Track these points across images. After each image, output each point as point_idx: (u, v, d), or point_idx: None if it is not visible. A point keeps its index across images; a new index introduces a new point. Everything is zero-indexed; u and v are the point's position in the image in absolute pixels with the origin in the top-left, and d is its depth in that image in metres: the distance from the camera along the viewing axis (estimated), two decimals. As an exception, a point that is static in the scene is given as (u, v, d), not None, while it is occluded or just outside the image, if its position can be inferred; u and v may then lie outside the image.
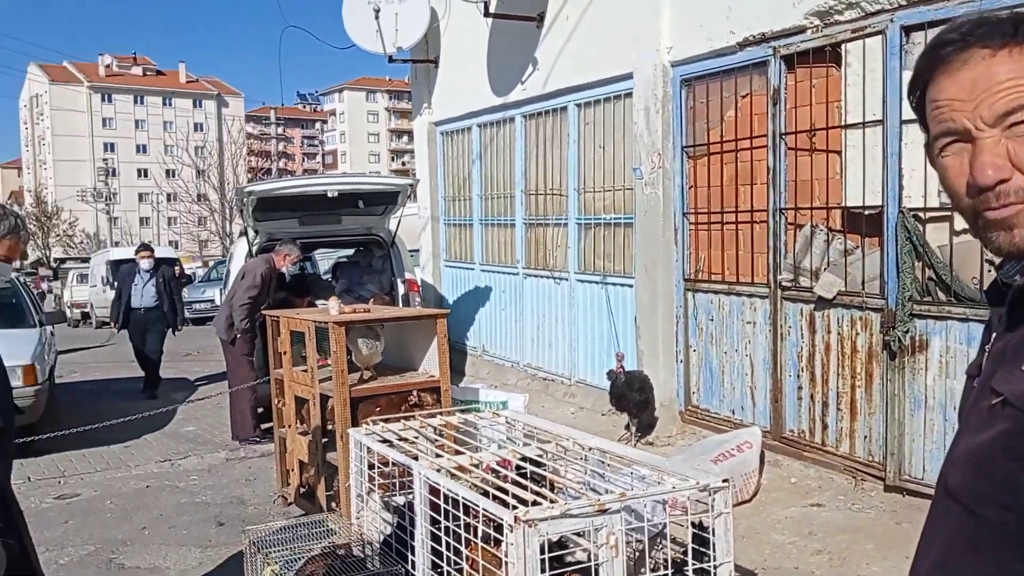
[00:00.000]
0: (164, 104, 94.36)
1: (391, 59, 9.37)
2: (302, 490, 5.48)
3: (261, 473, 6.69)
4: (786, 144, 5.76)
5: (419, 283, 9.20)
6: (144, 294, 10.53)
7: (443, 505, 3.26)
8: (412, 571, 3.45)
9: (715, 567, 3.08)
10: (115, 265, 18.79)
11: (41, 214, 65.18)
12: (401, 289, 8.72)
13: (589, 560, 3.04)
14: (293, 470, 5.54)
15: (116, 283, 11.42)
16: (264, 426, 7.65)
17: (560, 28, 7.78)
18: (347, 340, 4.96)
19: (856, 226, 5.36)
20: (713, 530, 3.11)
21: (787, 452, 5.76)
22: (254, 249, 8.37)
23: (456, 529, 3.15)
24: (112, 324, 11.25)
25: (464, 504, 3.13)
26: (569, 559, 3.19)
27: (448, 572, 3.24)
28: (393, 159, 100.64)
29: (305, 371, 5.26)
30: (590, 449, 3.76)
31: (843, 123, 5.40)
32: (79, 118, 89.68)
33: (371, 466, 4.00)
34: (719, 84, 6.29)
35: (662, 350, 6.77)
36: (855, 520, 4.93)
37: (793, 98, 5.71)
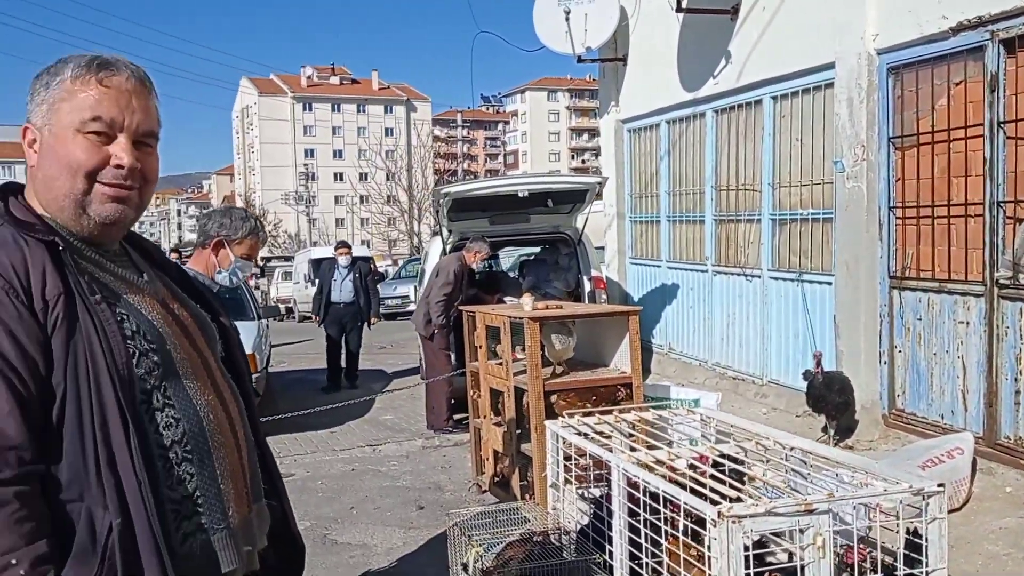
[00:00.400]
0: (358, 111, 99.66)
1: (580, 59, 9.49)
2: (496, 479, 5.66)
3: (455, 461, 6.97)
4: (1005, 133, 5.36)
5: (605, 280, 9.26)
6: (343, 289, 10.90)
7: (641, 497, 3.30)
8: (610, 561, 3.51)
9: (927, 574, 2.95)
10: (316, 263, 20.02)
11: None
12: (587, 286, 8.81)
13: (789, 561, 2.99)
14: (488, 459, 5.74)
15: (318, 279, 11.90)
16: (456, 417, 7.97)
17: (756, 19, 7.60)
18: (541, 335, 5.09)
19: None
20: (926, 536, 2.97)
21: (1002, 460, 5.37)
22: (447, 248, 8.70)
23: (655, 522, 3.18)
24: (314, 318, 11.63)
25: (663, 497, 3.15)
26: (769, 559, 3.14)
27: (647, 564, 3.27)
28: (573, 157, 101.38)
29: (500, 364, 5.44)
30: (791, 449, 3.68)
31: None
32: (283, 127, 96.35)
33: (567, 457, 4.09)
34: (929, 71, 5.94)
35: (864, 350, 6.48)
36: (1082, 536, 4.54)
37: (1013, 84, 5.31)
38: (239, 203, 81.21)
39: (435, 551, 4.60)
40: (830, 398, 6.16)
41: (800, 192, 7.35)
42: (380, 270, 28.84)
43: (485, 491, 5.86)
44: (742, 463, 3.52)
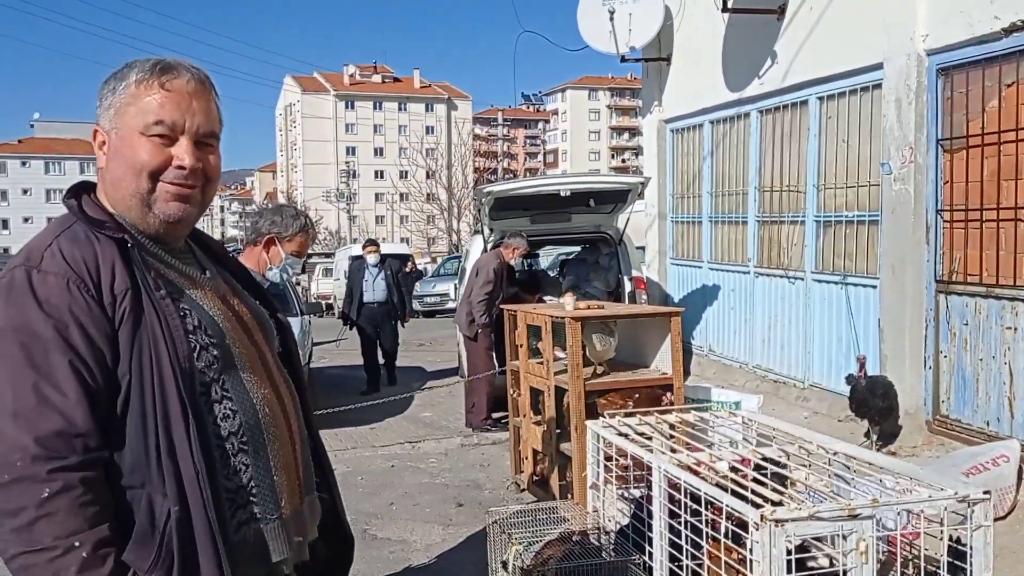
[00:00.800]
0: (399, 109, 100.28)
1: (623, 59, 9.47)
2: (535, 478, 5.69)
3: (494, 459, 7.00)
4: (1059, 135, 5.26)
5: (646, 281, 9.23)
6: (375, 288, 10.65)
7: (682, 499, 3.30)
8: (649, 562, 3.51)
9: (974, 583, 2.91)
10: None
11: (295, 213, 71.02)
12: (628, 286, 8.79)
13: (831, 567, 2.97)
14: (527, 458, 5.76)
15: (347, 280, 11.47)
16: (495, 415, 8.00)
17: (803, 19, 7.53)
18: (582, 335, 5.10)
19: None
20: (971, 544, 2.94)
21: (1052, 470, 5.27)
22: (488, 247, 8.74)
23: (696, 524, 3.18)
24: (343, 321, 11.21)
25: (704, 500, 3.15)
26: (811, 564, 3.12)
27: (687, 566, 3.27)
28: (613, 156, 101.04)
29: (541, 363, 5.46)
30: (835, 453, 3.65)
31: None
32: (326, 124, 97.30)
33: (607, 458, 4.10)
34: (980, 73, 5.84)
35: (909, 355, 6.39)
36: None
37: (1068, 85, 5.21)
38: (281, 200, 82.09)
39: (474, 548, 4.64)
40: (873, 403, 6.09)
41: (846, 194, 7.26)
42: (419, 268, 29.05)
43: (524, 490, 5.88)
44: (784, 467, 3.51)
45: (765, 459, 3.55)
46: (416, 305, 22.95)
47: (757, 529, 2.78)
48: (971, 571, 2.95)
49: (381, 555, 5.01)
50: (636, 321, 5.55)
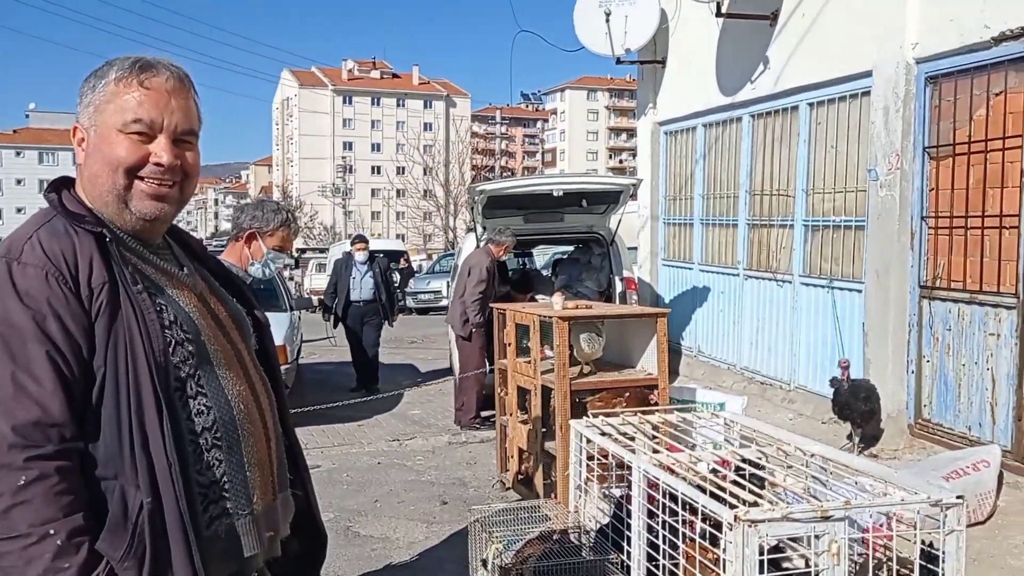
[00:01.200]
0: (398, 105, 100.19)
1: (619, 61, 9.50)
2: (520, 477, 5.72)
3: (481, 458, 7.03)
4: (1044, 144, 5.32)
5: (637, 281, 9.27)
6: (362, 287, 10.21)
7: (660, 499, 3.34)
8: (627, 561, 3.56)
9: (945, 587, 2.96)
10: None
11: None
12: (619, 287, 8.84)
13: (807, 567, 3.01)
14: (513, 457, 5.80)
15: (331, 276, 10.99)
16: (484, 414, 8.04)
17: (795, 26, 7.58)
18: (570, 335, 5.13)
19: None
20: (943, 547, 2.98)
21: (1031, 476, 5.33)
22: (482, 244, 8.78)
23: (673, 524, 3.22)
24: (327, 318, 10.81)
25: (681, 500, 3.19)
26: (786, 564, 3.16)
27: (663, 566, 3.31)
28: (611, 157, 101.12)
29: (528, 362, 5.50)
30: (812, 455, 3.70)
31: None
32: (323, 119, 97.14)
33: (590, 457, 4.14)
34: (969, 81, 5.90)
35: (892, 359, 6.45)
36: (1110, 556, 4.50)
37: (1054, 95, 5.27)
38: (276, 194, 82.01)
39: (456, 546, 4.66)
40: (856, 406, 6.14)
41: (833, 199, 7.32)
42: (414, 265, 29.07)
43: (509, 488, 5.92)
44: (762, 468, 3.56)
45: (744, 460, 3.60)
46: (410, 302, 22.96)
47: (731, 529, 2.83)
48: (943, 574, 3.00)
49: (363, 552, 5.03)
50: (623, 321, 5.59)
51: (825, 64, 7.20)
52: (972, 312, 5.89)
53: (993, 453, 5.30)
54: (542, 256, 16.11)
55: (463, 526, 4.73)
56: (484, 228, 8.86)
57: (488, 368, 7.74)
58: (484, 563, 3.95)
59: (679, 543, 3.22)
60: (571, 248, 10.66)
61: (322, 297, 10.42)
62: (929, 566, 3.02)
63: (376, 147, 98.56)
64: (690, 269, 9.71)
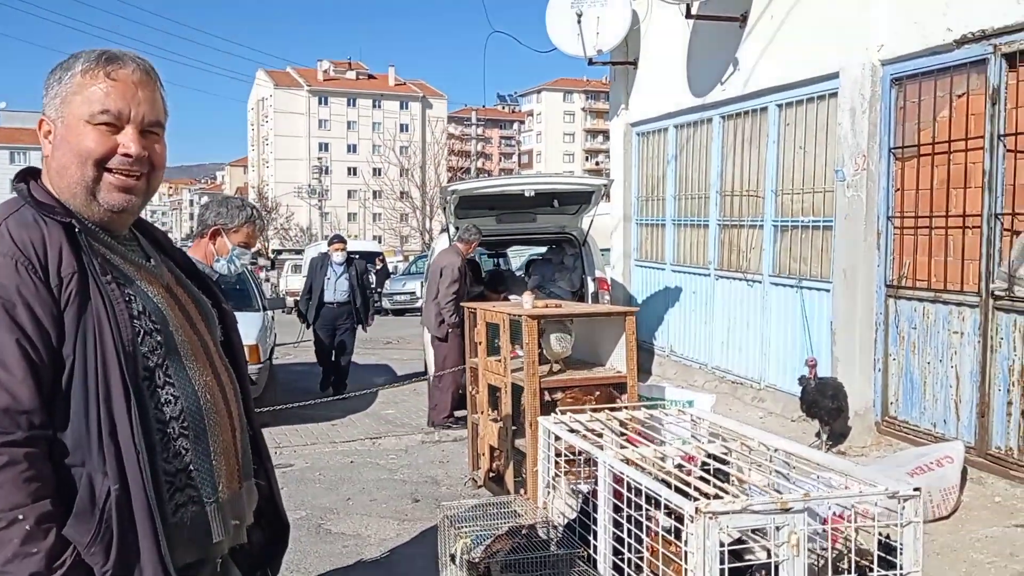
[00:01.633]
0: (374, 106, 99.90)
1: (591, 62, 9.55)
2: (491, 474, 5.75)
3: (453, 456, 7.06)
4: (1005, 146, 5.42)
5: (609, 281, 9.33)
6: (336, 288, 9.97)
7: (626, 494, 3.38)
8: (594, 555, 3.59)
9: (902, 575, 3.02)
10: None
11: (262, 208, 70.64)
12: (591, 287, 8.89)
13: (770, 558, 3.06)
14: (484, 454, 5.83)
15: (306, 277, 10.74)
16: (457, 413, 8.05)
17: (764, 28, 7.66)
18: (539, 333, 5.17)
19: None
20: (901, 539, 3.04)
21: (992, 470, 5.42)
22: (450, 244, 8.79)
23: (638, 518, 3.26)
24: (301, 320, 10.54)
25: (647, 495, 3.23)
26: (748, 556, 3.21)
27: (628, 559, 3.35)
28: (587, 159, 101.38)
29: (499, 361, 5.53)
30: (775, 450, 3.76)
31: (1071, 123, 5.03)
32: (298, 120, 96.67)
33: (558, 453, 4.18)
34: (932, 83, 6.00)
35: (859, 358, 6.54)
36: (1067, 547, 4.60)
37: (1014, 98, 5.36)
38: (252, 195, 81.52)
39: (427, 543, 4.69)
40: (823, 403, 6.23)
41: (802, 200, 7.41)
42: (390, 267, 29.03)
43: (481, 486, 5.95)
44: (726, 463, 3.61)
45: (709, 456, 3.65)
46: (386, 303, 22.93)
47: (692, 521, 2.87)
48: (901, 565, 3.06)
49: (334, 549, 5.04)
50: (593, 320, 5.63)
51: (793, 66, 7.28)
52: (937, 311, 5.99)
53: (957, 449, 5.39)
54: (518, 257, 16.15)
55: (434, 523, 4.75)
56: (457, 228, 8.89)
57: (463, 366, 7.76)
58: (453, 558, 3.97)
59: (644, 537, 3.26)
60: (544, 249, 10.71)
61: (297, 299, 10.21)
62: (888, 557, 3.09)
63: (352, 148, 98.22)
64: (662, 269, 9.78)
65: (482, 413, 5.85)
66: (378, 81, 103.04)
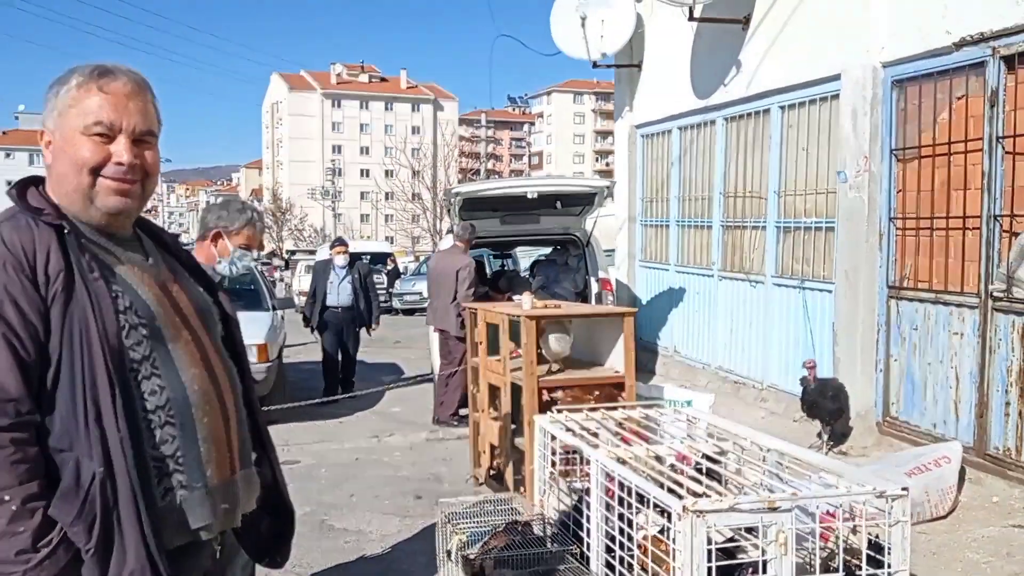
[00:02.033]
0: (386, 109, 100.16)
1: (595, 64, 9.60)
2: (492, 472, 5.80)
3: (457, 454, 7.11)
4: (1003, 148, 5.44)
5: (612, 282, 9.37)
6: (340, 292, 9.81)
7: (618, 492, 3.43)
8: (587, 552, 3.64)
9: (890, 575, 3.05)
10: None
11: (276, 210, 70.98)
12: (595, 287, 8.93)
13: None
14: (484, 452, 5.88)
15: (311, 282, 10.51)
16: (463, 412, 8.11)
17: (766, 30, 7.69)
18: (538, 334, 5.22)
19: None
20: (889, 538, 3.08)
21: (990, 470, 5.44)
22: (447, 243, 8.84)
23: (630, 516, 3.31)
24: (305, 324, 10.35)
25: (638, 493, 3.28)
26: (742, 556, 3.25)
27: (619, 556, 3.40)
28: (597, 160, 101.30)
29: (499, 360, 5.58)
30: (768, 450, 3.79)
31: (1069, 125, 5.04)
32: (312, 122, 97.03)
33: (554, 452, 4.23)
34: (933, 85, 6.02)
35: (860, 359, 6.56)
36: (1063, 547, 4.62)
37: (1012, 100, 5.38)
38: (266, 196, 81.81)
39: (428, 539, 4.74)
40: (823, 404, 6.25)
41: (805, 201, 7.43)
42: (401, 267, 29.15)
43: (482, 484, 6.00)
44: (719, 463, 3.65)
45: (703, 455, 3.69)
46: (396, 303, 23.04)
47: (679, 519, 2.91)
48: (889, 564, 3.09)
49: (337, 545, 5.10)
50: (592, 320, 5.68)
51: (796, 68, 7.31)
52: (937, 312, 6.01)
53: (954, 449, 5.40)
54: (528, 258, 16.21)
55: (435, 520, 4.80)
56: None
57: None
58: (449, 554, 4.03)
59: (634, 534, 3.31)
60: (549, 250, 10.76)
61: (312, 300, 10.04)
62: (878, 557, 3.12)
63: (365, 150, 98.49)
64: (666, 270, 9.81)
65: (483, 412, 5.91)
66: (390, 84, 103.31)
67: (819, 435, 6.49)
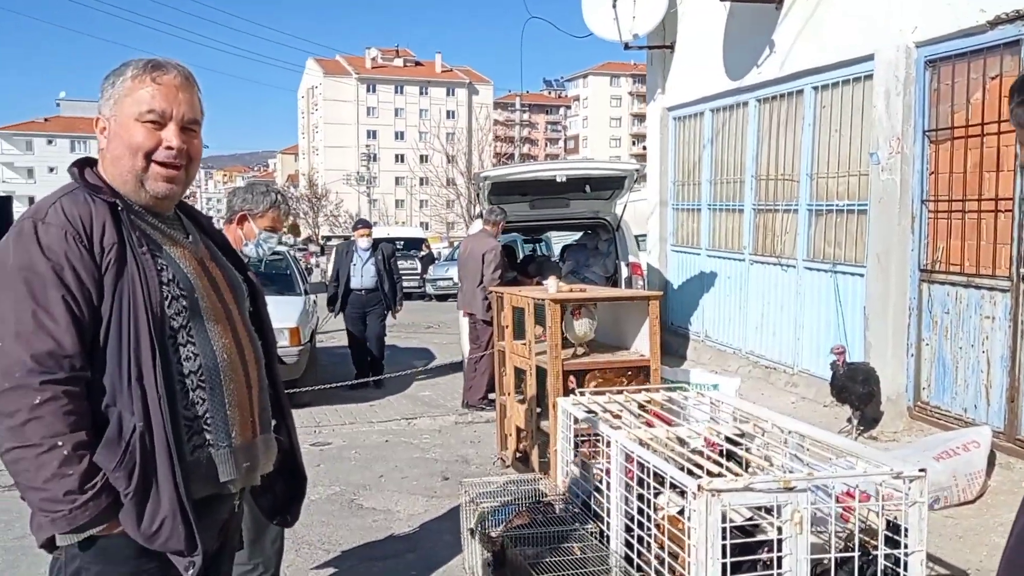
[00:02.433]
0: (420, 93, 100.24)
1: (627, 46, 9.55)
2: (518, 454, 5.86)
3: (484, 437, 7.18)
4: (1038, 128, 5.33)
5: (643, 267, 9.34)
6: (363, 274, 9.67)
7: (638, 473, 3.46)
8: (607, 531, 3.68)
9: (906, 555, 3.05)
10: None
11: (312, 196, 71.60)
12: (624, 272, 8.92)
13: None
14: (511, 435, 5.94)
15: (333, 264, 10.35)
16: (491, 395, 8.17)
17: (800, 10, 7.60)
18: (562, 317, 5.25)
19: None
20: (905, 519, 3.08)
21: (1021, 455, 5.38)
22: (479, 228, 8.87)
23: (649, 496, 3.34)
24: (328, 308, 10.16)
25: (656, 474, 3.30)
26: (760, 536, 3.26)
27: (640, 536, 3.43)
28: (634, 143, 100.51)
29: (524, 344, 5.62)
30: (789, 432, 3.80)
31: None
32: (347, 108, 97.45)
33: (577, 434, 4.27)
34: (966, 65, 5.92)
35: (891, 343, 6.50)
36: (1094, 533, 4.55)
37: (1048, 78, 5.27)
38: (302, 182, 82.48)
39: (454, 519, 4.82)
40: (854, 389, 6.21)
41: (837, 183, 7.36)
42: (435, 253, 29.27)
43: (508, 466, 6.05)
44: (739, 445, 3.66)
45: (724, 438, 3.70)
46: (429, 289, 23.18)
47: (695, 498, 2.94)
48: (905, 544, 3.09)
49: (365, 523, 5.20)
50: (618, 304, 5.69)
51: (829, 48, 7.22)
52: (969, 295, 5.93)
53: (983, 434, 5.35)
54: (558, 244, 16.21)
55: (461, 500, 4.88)
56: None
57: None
58: (472, 532, 4.09)
59: (654, 515, 3.34)
60: (579, 235, 10.75)
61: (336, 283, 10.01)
62: (895, 537, 3.13)
63: (399, 135, 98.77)
64: (698, 254, 9.77)
65: (508, 394, 5.96)
66: (425, 68, 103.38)
67: (849, 420, 6.45)
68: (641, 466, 3.42)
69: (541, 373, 5.40)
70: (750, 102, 8.64)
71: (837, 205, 7.34)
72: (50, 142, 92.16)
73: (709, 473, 3.06)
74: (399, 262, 10.73)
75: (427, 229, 51.51)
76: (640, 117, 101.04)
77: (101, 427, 1.86)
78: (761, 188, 8.49)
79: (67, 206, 1.90)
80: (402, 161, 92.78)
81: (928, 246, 6.34)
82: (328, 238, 54.23)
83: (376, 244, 9.89)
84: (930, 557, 3.93)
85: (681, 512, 3.32)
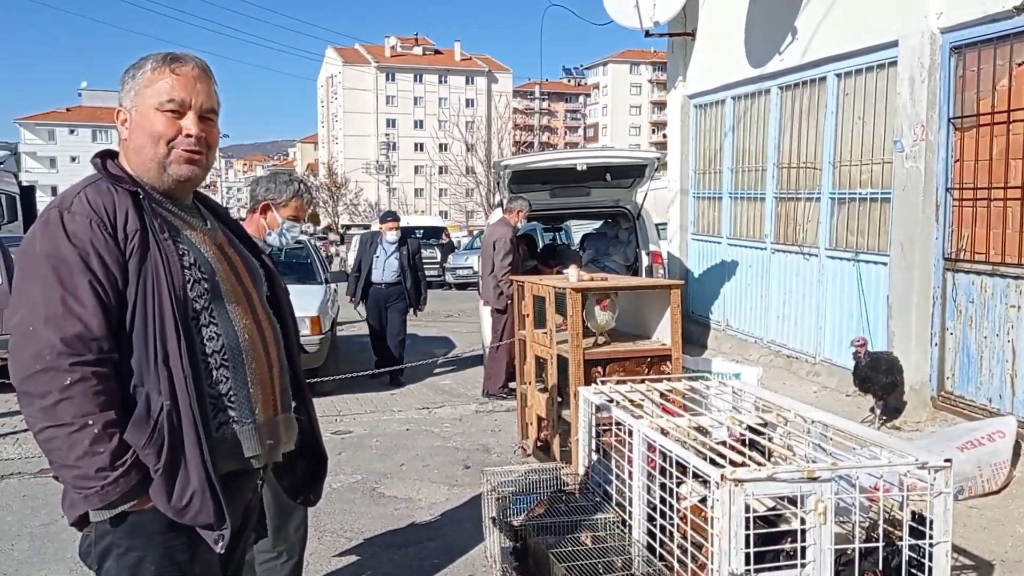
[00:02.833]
0: (440, 81, 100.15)
1: (648, 33, 9.50)
2: (539, 443, 5.87)
3: (505, 426, 7.20)
4: (1067, 114, 5.27)
5: (663, 255, 9.31)
6: (386, 268, 9.36)
7: (659, 462, 3.46)
8: (629, 521, 3.68)
9: (931, 546, 3.04)
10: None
11: (332, 184, 71.77)
12: (645, 260, 8.90)
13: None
14: (531, 424, 5.95)
15: (356, 255, 10.10)
16: (512, 384, 8.18)
17: (822, -4, 7.52)
18: (584, 306, 5.24)
19: None
20: (931, 509, 3.06)
21: (1046, 447, 5.33)
22: (498, 216, 8.87)
23: (671, 486, 3.34)
24: (350, 299, 9.91)
25: (680, 463, 3.30)
26: (784, 525, 3.25)
27: (662, 526, 3.43)
28: (654, 131, 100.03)
29: (545, 333, 5.63)
30: (812, 422, 3.78)
31: None
32: (366, 96, 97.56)
33: (599, 422, 4.27)
34: (992, 51, 5.84)
35: (915, 332, 6.45)
36: (1122, 526, 4.51)
37: (1077, 64, 5.21)
38: (322, 171, 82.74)
39: (475, 508, 4.83)
40: (877, 379, 6.17)
41: (860, 171, 7.29)
42: (455, 241, 29.31)
43: (529, 455, 6.07)
44: (762, 434, 3.65)
45: (747, 427, 3.70)
46: (448, 277, 23.24)
47: (718, 488, 2.94)
48: (930, 535, 3.08)
49: (387, 512, 5.23)
50: (639, 293, 5.68)
51: (852, 34, 7.15)
52: (994, 284, 5.87)
53: (1008, 424, 5.31)
54: (580, 232, 16.18)
55: (482, 489, 4.89)
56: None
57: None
58: (494, 520, 4.11)
59: (675, 503, 3.34)
60: (600, 223, 10.72)
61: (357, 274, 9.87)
62: (920, 527, 3.11)
63: (419, 124, 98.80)
64: (719, 243, 9.72)
65: (529, 384, 5.97)
66: (444, 56, 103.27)
67: (872, 410, 6.41)
68: (663, 455, 3.42)
69: (562, 362, 5.41)
70: (772, 89, 8.57)
71: (860, 193, 7.27)
72: (72, 132, 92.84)
73: (732, 463, 3.06)
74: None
75: (446, 218, 51.53)
76: (660, 105, 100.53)
77: (130, 408, 1.94)
78: (783, 176, 8.43)
79: (91, 195, 1.97)
80: (421, 150, 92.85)
81: (952, 234, 6.27)
82: (348, 227, 54.41)
83: (404, 239, 9.52)
84: (954, 548, 3.90)
85: (703, 501, 3.32)
